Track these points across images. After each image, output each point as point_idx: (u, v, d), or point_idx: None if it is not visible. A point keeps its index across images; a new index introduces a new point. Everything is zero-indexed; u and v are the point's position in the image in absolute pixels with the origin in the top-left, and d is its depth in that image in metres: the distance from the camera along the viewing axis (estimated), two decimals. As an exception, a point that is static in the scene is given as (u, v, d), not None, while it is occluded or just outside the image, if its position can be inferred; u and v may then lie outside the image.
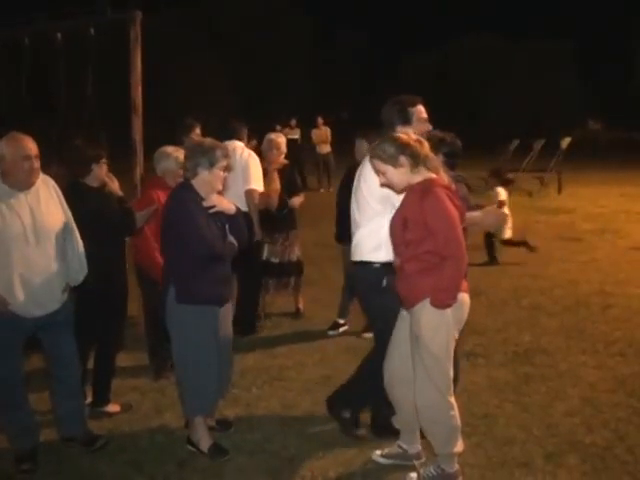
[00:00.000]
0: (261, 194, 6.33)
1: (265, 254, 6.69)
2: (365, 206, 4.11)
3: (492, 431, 4.47)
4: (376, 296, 4.14)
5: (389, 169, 3.69)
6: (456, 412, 3.77)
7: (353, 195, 4.26)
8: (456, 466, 3.84)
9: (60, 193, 4.16)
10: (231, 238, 4.21)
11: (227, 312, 4.35)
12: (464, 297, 3.71)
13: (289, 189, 6.63)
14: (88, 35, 6.81)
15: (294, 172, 6.90)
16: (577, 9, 52.88)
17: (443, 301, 3.59)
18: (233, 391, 5.02)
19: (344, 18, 47.46)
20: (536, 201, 15.95)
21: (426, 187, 3.62)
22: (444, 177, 3.88)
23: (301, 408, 4.89)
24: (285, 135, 7.56)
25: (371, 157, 3.77)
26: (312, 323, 6.77)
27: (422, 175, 3.68)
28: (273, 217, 6.60)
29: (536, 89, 42.82)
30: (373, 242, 4.07)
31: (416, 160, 3.66)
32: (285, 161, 6.76)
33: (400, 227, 3.69)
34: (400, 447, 4.10)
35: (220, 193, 4.24)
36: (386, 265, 4.02)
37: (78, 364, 4.32)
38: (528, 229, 12.18)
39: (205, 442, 4.24)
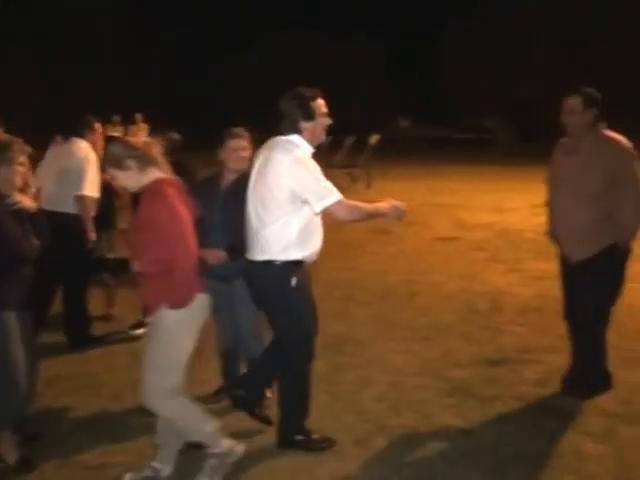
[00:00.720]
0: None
1: (101, 250, 6.47)
2: (273, 205, 3.95)
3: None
4: (283, 294, 4.03)
5: (117, 173, 3.68)
6: (186, 399, 3.76)
7: (253, 195, 4.08)
8: (225, 442, 3.84)
9: None
10: (33, 238, 4.00)
11: (29, 317, 4.12)
12: (200, 297, 3.71)
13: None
14: None
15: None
16: (386, 10, 55.20)
17: (177, 302, 3.60)
18: (41, 401, 4.77)
19: (167, 16, 46.40)
20: (347, 196, 16.24)
21: (156, 188, 3.63)
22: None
23: (112, 414, 4.75)
24: (106, 132, 7.30)
25: (103, 162, 3.71)
26: (124, 326, 6.57)
27: (153, 176, 3.68)
28: (107, 211, 6.44)
29: (347, 88, 44.16)
30: (283, 241, 3.97)
31: (144, 162, 3.65)
32: None
33: (135, 229, 3.69)
34: (153, 468, 3.91)
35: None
36: (295, 263, 3.99)
37: None
38: (341, 223, 12.56)
39: (11, 455, 4.01)
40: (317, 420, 4.56)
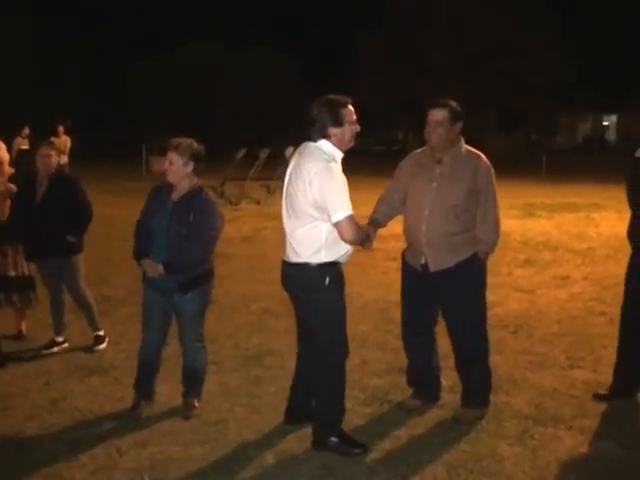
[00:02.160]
0: None
1: (4, 268, 6.21)
2: (303, 211, 4.04)
3: (225, 436, 4.51)
4: (318, 294, 4.13)
5: None
6: None
7: (285, 200, 4.19)
8: None
9: None
10: None
11: None
12: None
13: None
14: None
15: (27, 186, 6.52)
16: (300, 24, 55.62)
17: None
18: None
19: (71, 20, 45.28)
20: (264, 208, 16.49)
21: None
22: None
23: (27, 437, 4.57)
24: (18, 145, 7.07)
25: None
26: (36, 345, 6.35)
27: None
28: (3, 228, 6.16)
29: (262, 101, 44.27)
30: (314, 245, 4.06)
31: None
32: (11, 170, 6.34)
33: None
34: None
35: None
36: (328, 265, 4.10)
37: None
38: (257, 235, 12.55)
39: None
40: (236, 433, 4.53)
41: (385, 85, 41.18)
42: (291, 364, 5.74)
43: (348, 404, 4.96)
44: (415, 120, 40.97)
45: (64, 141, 18.54)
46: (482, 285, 4.77)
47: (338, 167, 4.10)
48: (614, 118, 52.57)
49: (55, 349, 6.19)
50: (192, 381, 4.91)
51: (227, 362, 5.86)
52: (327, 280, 4.10)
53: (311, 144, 4.12)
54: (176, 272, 4.56)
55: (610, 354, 5.48)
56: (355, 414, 4.83)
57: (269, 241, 11.93)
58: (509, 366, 5.72)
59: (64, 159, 18.01)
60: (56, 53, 41.99)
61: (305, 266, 4.11)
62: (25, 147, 18.76)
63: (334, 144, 4.11)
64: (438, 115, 4.56)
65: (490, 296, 6.41)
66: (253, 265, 9.80)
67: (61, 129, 18.79)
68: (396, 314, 7.27)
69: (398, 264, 9.77)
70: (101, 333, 6.36)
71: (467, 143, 4.69)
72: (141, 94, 45.65)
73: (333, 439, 4.26)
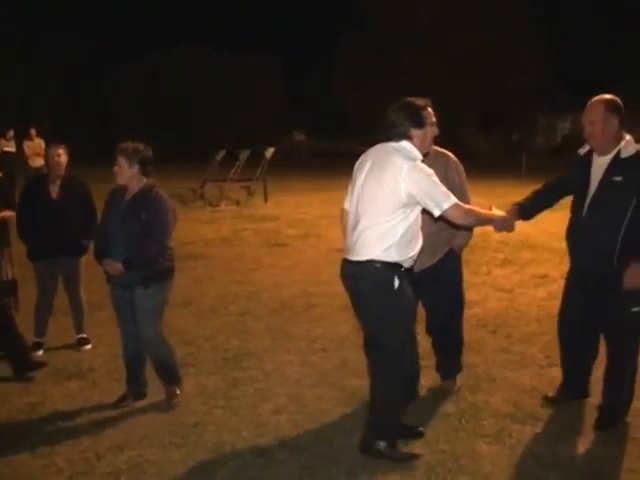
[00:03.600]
0: None
1: None
2: (386, 209, 4.00)
3: (203, 439, 4.48)
4: (386, 297, 4.06)
5: None
6: None
7: (360, 197, 4.12)
8: None
9: None
10: None
11: None
12: None
13: (4, 203, 6.17)
14: None
15: (8, 186, 6.46)
16: (281, 26, 55.58)
17: None
18: None
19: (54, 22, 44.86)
20: (244, 209, 16.46)
21: None
22: None
23: (4, 441, 4.50)
24: (2, 147, 7.04)
25: None
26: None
27: None
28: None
29: (241, 102, 44.15)
30: (387, 242, 4.00)
31: None
32: None
33: None
34: None
35: None
36: (395, 265, 4.03)
37: None
38: (237, 237, 12.52)
39: None
40: (214, 435, 4.51)
41: (368, 85, 41.16)
42: (269, 366, 5.77)
43: (327, 405, 4.98)
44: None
45: (37, 144, 18.36)
46: (460, 275, 5.08)
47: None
48: (593, 117, 52.76)
49: (40, 352, 6.12)
50: (164, 370, 5.08)
51: (205, 364, 5.83)
52: (396, 282, 4.04)
53: (391, 144, 4.12)
54: (136, 268, 4.79)
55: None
56: (335, 414, 4.82)
57: (248, 242, 11.91)
58: (488, 365, 5.73)
59: (40, 162, 17.89)
60: (40, 53, 41.67)
61: (372, 263, 4.05)
62: (9, 149, 18.62)
63: (415, 145, 4.12)
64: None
65: (470, 296, 6.46)
66: (232, 266, 9.77)
67: (33, 132, 18.62)
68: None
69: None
70: (85, 335, 6.36)
71: (448, 144, 4.76)
72: (124, 95, 45.40)
73: (382, 444, 4.21)
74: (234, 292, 8.31)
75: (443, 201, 3.97)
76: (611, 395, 4.60)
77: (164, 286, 4.97)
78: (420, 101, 4.18)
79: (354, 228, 4.15)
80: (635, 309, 4.42)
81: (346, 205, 4.34)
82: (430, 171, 4.03)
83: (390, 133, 4.12)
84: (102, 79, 45.52)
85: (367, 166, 4.16)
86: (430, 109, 4.20)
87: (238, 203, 17.22)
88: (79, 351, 6.18)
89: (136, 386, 5.11)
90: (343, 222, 4.39)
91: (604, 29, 46.32)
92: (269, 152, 19.50)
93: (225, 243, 11.92)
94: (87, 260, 6.17)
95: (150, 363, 5.11)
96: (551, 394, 5.03)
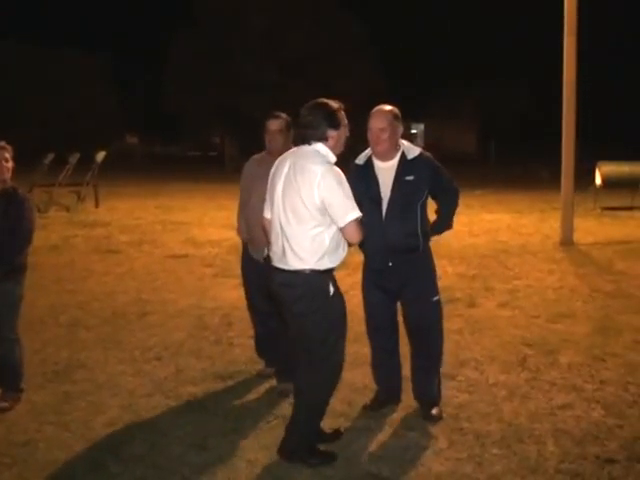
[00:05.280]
0: None
1: None
2: (307, 215, 3.97)
3: (34, 457, 4.28)
4: (322, 303, 4.07)
5: None
6: None
7: (283, 203, 4.05)
8: None
9: None
10: None
11: None
12: None
13: None
14: None
15: None
16: (110, 26, 54.01)
17: None
18: None
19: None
20: (74, 215, 15.88)
21: None
22: None
23: None
24: None
25: None
26: None
27: None
28: None
29: (68, 104, 42.53)
30: (319, 251, 4.01)
31: None
32: None
33: None
34: None
35: None
36: (329, 271, 4.08)
37: None
38: (67, 244, 12.06)
39: None
40: (45, 453, 4.34)
41: (199, 88, 40.79)
42: (102, 377, 5.62)
43: (162, 414, 4.91)
44: (231, 125, 41.13)
45: None
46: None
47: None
48: (422, 127, 55.12)
49: None
50: (11, 376, 5.10)
51: (34, 378, 5.57)
52: (331, 288, 4.09)
53: (306, 148, 4.11)
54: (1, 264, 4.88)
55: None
56: (170, 424, 4.75)
57: (79, 250, 11.50)
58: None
59: None
60: None
61: (306, 272, 4.04)
62: None
63: (330, 147, 4.11)
64: (276, 124, 5.34)
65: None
66: (61, 275, 9.40)
67: None
68: (212, 320, 7.28)
69: (214, 270, 9.79)
70: None
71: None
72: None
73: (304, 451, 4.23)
74: (64, 302, 8.00)
75: (349, 212, 4.00)
76: (427, 389, 4.93)
77: (21, 281, 5.10)
78: (334, 102, 4.24)
79: (279, 237, 4.14)
80: (435, 298, 4.83)
81: (267, 214, 4.30)
82: (343, 177, 4.08)
83: (306, 134, 4.14)
84: None
85: (284, 171, 4.15)
86: (343, 111, 4.28)
87: (68, 209, 16.58)
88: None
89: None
90: (266, 231, 4.36)
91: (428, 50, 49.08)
92: (100, 156, 18.91)
93: (54, 251, 11.45)
94: None
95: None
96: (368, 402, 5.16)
